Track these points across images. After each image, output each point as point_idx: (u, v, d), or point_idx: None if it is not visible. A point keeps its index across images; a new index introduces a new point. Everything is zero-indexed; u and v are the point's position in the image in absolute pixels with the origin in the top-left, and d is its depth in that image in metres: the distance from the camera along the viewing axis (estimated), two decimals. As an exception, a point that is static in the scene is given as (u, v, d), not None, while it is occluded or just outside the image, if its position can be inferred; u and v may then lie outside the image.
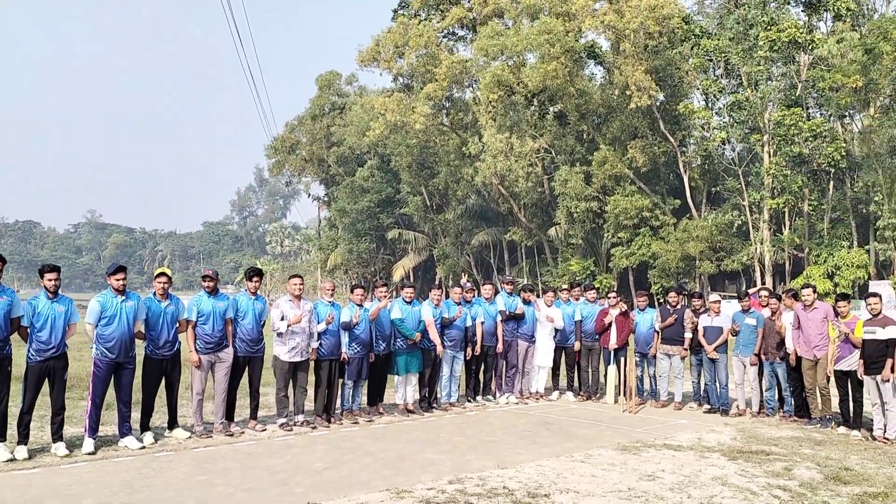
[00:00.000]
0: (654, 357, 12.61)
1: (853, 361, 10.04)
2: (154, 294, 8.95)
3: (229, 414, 9.52)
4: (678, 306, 12.38)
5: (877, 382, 9.66)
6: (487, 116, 38.72)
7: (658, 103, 36.47)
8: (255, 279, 9.70)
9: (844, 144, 31.19)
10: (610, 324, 12.68)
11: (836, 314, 10.40)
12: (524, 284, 13.08)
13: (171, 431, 9.11)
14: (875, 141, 30.42)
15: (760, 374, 11.59)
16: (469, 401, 12.06)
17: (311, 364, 10.12)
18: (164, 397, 9.13)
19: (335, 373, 10.17)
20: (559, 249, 42.08)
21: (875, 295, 10.12)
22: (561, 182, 37.73)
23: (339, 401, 10.46)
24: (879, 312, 9.87)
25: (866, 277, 31.16)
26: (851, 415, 10.28)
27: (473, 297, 12.09)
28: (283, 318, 9.65)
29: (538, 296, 13.40)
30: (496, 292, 12.50)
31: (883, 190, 29.89)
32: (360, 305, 10.34)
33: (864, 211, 32.85)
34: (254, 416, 9.77)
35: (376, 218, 53.30)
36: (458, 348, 11.59)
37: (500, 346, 12.17)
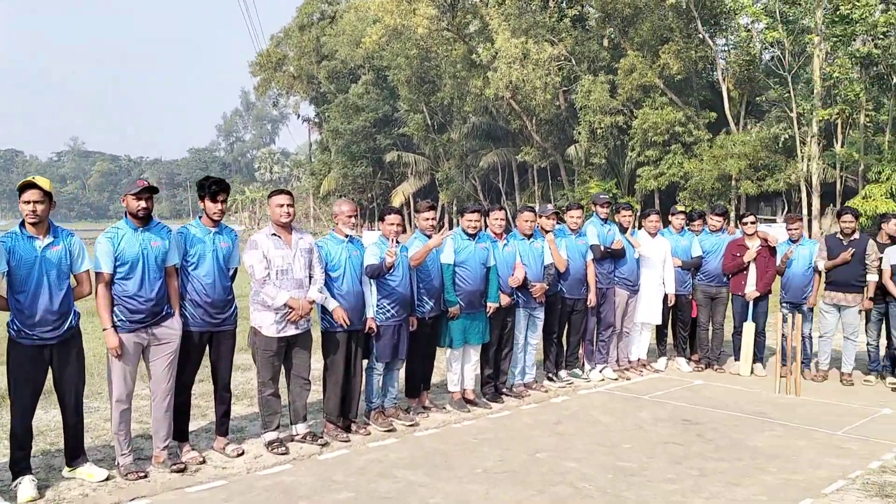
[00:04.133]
0: (812, 310, 8.76)
1: None
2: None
3: (179, 429, 5.59)
4: (854, 235, 8.40)
5: None
6: (500, 19, 33.95)
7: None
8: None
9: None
10: (748, 262, 8.74)
11: None
12: (621, 203, 9.03)
13: (74, 470, 5.18)
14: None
15: None
16: (550, 379, 8.17)
17: (315, 338, 6.16)
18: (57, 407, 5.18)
19: (356, 352, 6.22)
20: (576, 171, 37.99)
21: None
22: (583, 94, 33.36)
23: (363, 395, 6.52)
24: None
25: (938, 197, 27.33)
26: None
27: (555, 226, 8.05)
28: (266, 265, 5.64)
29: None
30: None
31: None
32: (396, 241, 6.28)
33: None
34: (222, 429, 5.85)
35: (372, 139, 48.59)
36: (536, 303, 7.64)
37: (592, 298, 8.20)
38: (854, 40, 27.36)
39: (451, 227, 37.72)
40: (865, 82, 27.57)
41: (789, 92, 29.46)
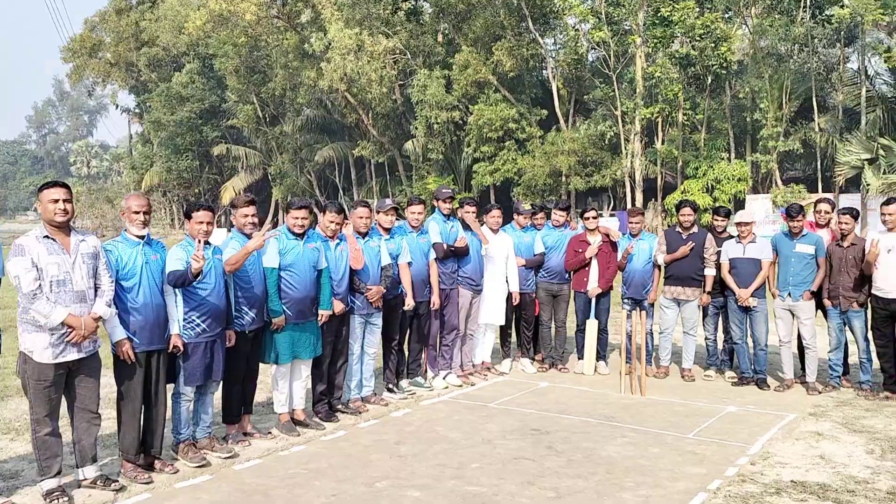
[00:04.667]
0: (653, 305, 8.65)
1: None
2: None
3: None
4: (693, 228, 8.33)
5: None
6: (333, 9, 32.94)
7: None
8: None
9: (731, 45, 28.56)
10: (590, 258, 8.47)
11: None
12: (467, 198, 8.45)
13: None
14: (762, 43, 28.19)
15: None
16: (390, 390, 7.47)
17: (106, 355, 5.11)
18: None
19: (158, 375, 5.23)
20: (413, 166, 37.70)
21: None
22: (419, 88, 33.08)
23: (169, 425, 5.52)
24: None
25: (746, 191, 29.36)
26: None
27: (394, 223, 7.35)
28: (37, 275, 4.55)
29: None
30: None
31: (769, 97, 27.76)
32: (207, 242, 5.34)
33: (741, 120, 30.84)
34: (-16, 480, 4.70)
35: (199, 131, 45.83)
36: (371, 308, 6.92)
37: (435, 300, 7.60)
38: (673, 42, 28.77)
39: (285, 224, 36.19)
40: (683, 82, 29.08)
41: (614, 91, 30.54)
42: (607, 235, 8.54)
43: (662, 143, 31.17)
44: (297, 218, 6.13)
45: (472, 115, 32.98)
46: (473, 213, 8.08)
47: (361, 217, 6.90)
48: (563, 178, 32.70)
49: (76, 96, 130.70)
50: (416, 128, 34.44)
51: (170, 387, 5.46)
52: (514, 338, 9.05)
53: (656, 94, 29.29)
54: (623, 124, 31.00)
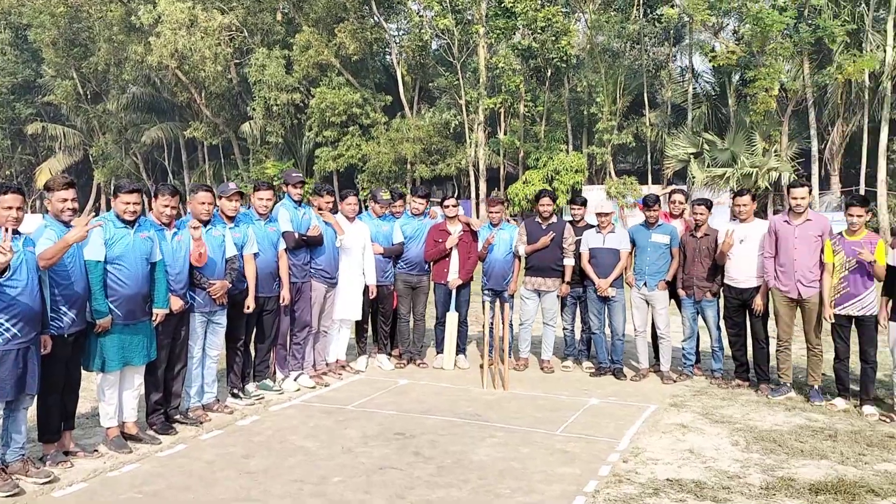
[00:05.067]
0: (513, 296, 8.44)
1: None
2: None
3: None
4: (552, 218, 8.17)
5: None
6: (162, -21, 30.81)
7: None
8: None
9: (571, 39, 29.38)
10: (451, 248, 8.12)
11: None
12: (325, 187, 7.78)
13: None
14: (598, 39, 29.25)
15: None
16: (235, 395, 6.75)
17: None
18: None
19: (-47, 393, 4.30)
20: (251, 150, 36.13)
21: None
22: (257, 68, 31.73)
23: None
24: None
25: (582, 182, 30.39)
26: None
27: (240, 207, 6.60)
28: None
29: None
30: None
31: (604, 91, 28.81)
32: (16, 231, 4.44)
33: (579, 114, 31.88)
34: None
35: (11, 107, 41.61)
36: (214, 305, 6.18)
37: (285, 295, 6.95)
38: (515, 33, 29.22)
39: (109, 210, 33.62)
40: (525, 74, 29.61)
41: (458, 80, 30.60)
42: (468, 225, 8.23)
43: (505, 133, 31.66)
44: (127, 203, 5.30)
45: (313, 97, 32.04)
46: (330, 204, 7.49)
47: (203, 203, 6.11)
48: (409, 166, 32.50)
49: None
50: (254, 109, 33.10)
51: (-33, 405, 4.54)
52: (370, 333, 8.57)
53: (499, 85, 29.67)
54: (467, 114, 31.18)
